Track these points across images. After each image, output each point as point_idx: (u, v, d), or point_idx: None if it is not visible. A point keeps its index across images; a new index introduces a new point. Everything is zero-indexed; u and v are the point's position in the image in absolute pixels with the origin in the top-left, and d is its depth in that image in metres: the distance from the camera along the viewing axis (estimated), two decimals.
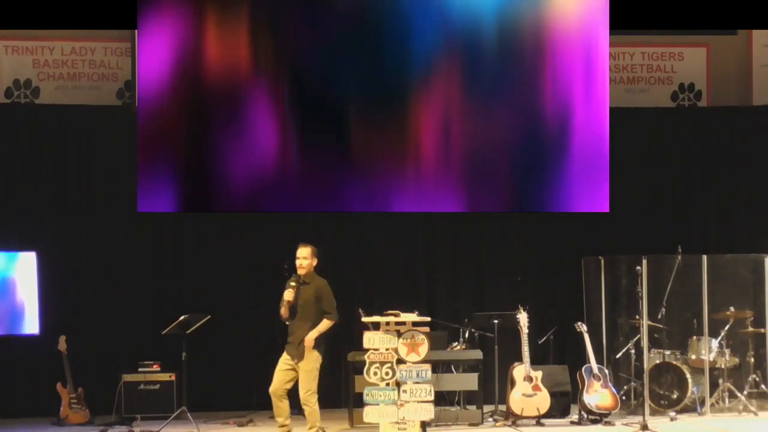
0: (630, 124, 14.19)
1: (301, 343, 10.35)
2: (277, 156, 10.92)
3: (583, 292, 13.53)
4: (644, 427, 11.43)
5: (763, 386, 13.01)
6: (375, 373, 10.04)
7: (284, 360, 10.46)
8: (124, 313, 13.37)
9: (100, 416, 12.62)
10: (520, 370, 12.10)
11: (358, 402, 10.65)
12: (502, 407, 12.43)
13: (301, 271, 10.53)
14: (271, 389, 10.42)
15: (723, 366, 12.84)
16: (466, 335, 12.73)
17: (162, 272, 13.75)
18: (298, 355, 10.38)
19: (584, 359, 12.50)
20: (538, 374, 12.08)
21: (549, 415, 12.11)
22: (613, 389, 12.28)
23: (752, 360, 13.06)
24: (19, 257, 12.99)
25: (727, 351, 12.86)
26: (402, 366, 10.05)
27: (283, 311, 10.45)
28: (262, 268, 13.46)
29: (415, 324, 10.19)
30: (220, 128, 10.78)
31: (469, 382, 12.30)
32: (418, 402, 10.02)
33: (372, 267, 14.13)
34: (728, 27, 13.83)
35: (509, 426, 12.04)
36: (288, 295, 10.40)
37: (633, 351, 12.92)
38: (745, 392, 12.84)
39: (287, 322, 10.53)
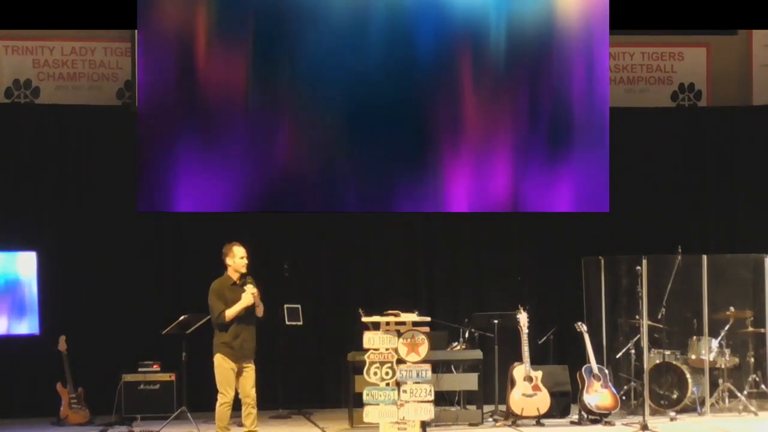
0: (630, 124, 14.18)
1: (249, 344, 10.09)
2: (278, 156, 10.92)
3: (583, 292, 13.51)
4: (644, 427, 11.42)
5: (763, 386, 13.01)
6: (375, 373, 10.02)
7: (230, 368, 10.09)
8: (124, 313, 13.35)
9: (100, 416, 12.62)
10: (520, 370, 12.09)
11: (358, 402, 10.63)
12: (502, 407, 12.42)
13: (244, 270, 10.25)
14: (233, 397, 10.10)
15: (723, 366, 12.83)
16: (466, 335, 12.72)
17: (162, 272, 13.74)
18: (248, 356, 10.10)
19: (584, 359, 12.48)
20: (538, 374, 12.08)
21: (549, 415, 12.10)
22: (613, 389, 12.27)
23: (752, 360, 13.06)
24: (19, 257, 12.99)
25: (727, 351, 12.85)
26: (402, 366, 10.04)
27: (233, 315, 10.01)
28: (261, 268, 13.42)
29: (415, 324, 10.18)
30: (220, 128, 10.78)
31: (469, 382, 12.29)
32: (418, 402, 10.00)
33: (372, 267, 14.12)
34: (728, 27, 13.83)
35: (509, 426, 12.03)
36: (254, 296, 10.06)
37: (633, 351, 12.91)
38: (745, 392, 12.83)
39: (225, 325, 10.06)
